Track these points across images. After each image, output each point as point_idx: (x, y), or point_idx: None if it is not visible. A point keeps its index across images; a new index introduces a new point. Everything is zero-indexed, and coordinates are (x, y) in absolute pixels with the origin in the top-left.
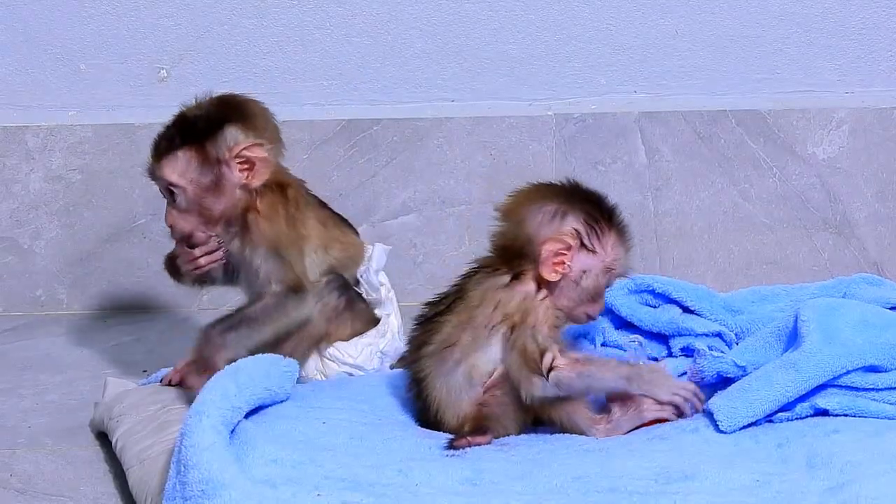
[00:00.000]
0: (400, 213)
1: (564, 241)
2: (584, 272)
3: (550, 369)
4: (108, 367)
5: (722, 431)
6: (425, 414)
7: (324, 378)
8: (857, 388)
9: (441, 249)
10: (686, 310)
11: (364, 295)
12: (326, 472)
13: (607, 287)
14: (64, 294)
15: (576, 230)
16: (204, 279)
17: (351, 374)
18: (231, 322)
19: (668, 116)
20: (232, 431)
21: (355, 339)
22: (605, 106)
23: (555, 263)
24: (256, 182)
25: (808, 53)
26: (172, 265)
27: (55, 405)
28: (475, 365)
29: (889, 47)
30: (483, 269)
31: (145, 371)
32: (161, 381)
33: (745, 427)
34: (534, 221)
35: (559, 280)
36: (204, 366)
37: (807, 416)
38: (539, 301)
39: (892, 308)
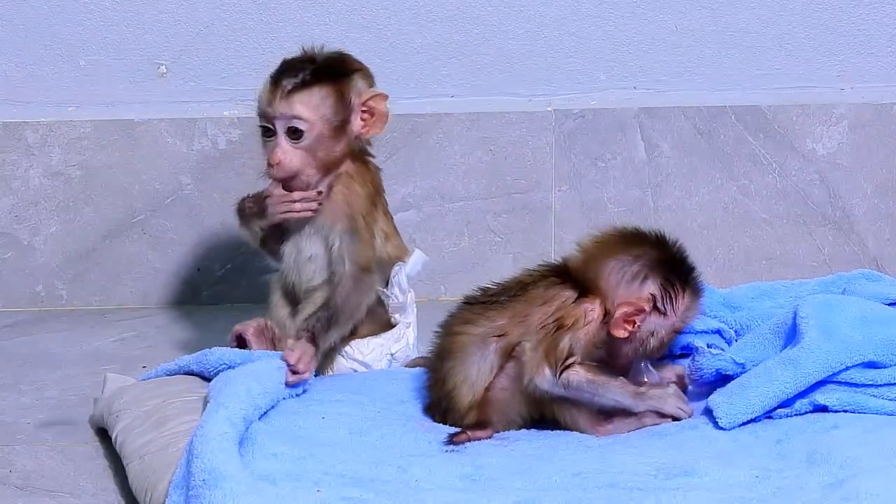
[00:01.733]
0: (399, 209)
1: (640, 306)
2: (652, 333)
3: (566, 368)
4: (108, 363)
5: (721, 428)
6: (439, 387)
7: (331, 373)
8: (856, 385)
9: (441, 245)
10: None
11: (392, 298)
12: (326, 467)
13: (671, 342)
14: (63, 290)
15: (652, 295)
16: (275, 234)
17: (355, 371)
18: (324, 316)
19: (667, 112)
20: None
21: (369, 337)
22: (605, 102)
23: (626, 322)
24: (371, 133)
25: (807, 49)
26: (257, 205)
27: (55, 401)
28: (507, 355)
29: (888, 43)
30: (553, 276)
31: (144, 367)
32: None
33: (744, 423)
34: (613, 277)
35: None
36: (314, 344)
37: (806, 413)
38: (596, 320)
39: (891, 304)
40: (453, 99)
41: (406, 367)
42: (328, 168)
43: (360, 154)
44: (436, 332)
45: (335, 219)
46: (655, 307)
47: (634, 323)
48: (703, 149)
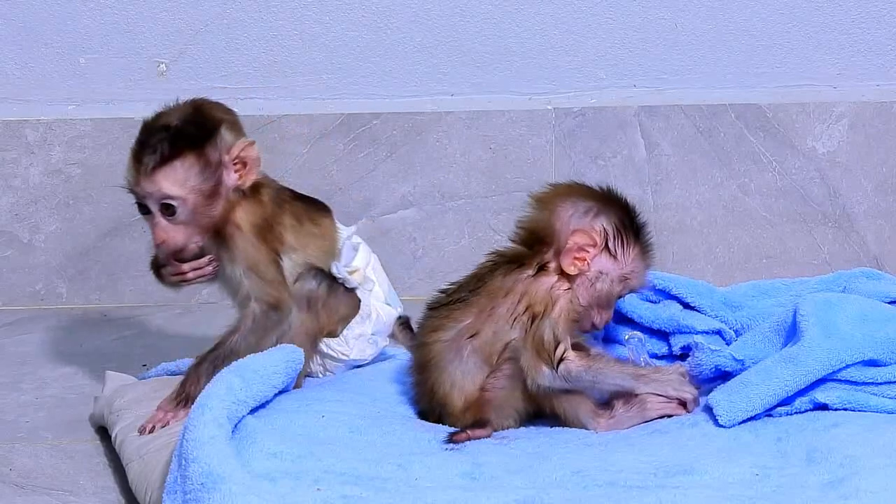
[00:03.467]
0: (399, 207)
1: (592, 237)
2: (601, 274)
3: (561, 361)
4: (108, 362)
5: (721, 426)
6: (429, 398)
7: (328, 374)
8: (856, 383)
9: (440, 244)
10: (686, 306)
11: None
12: (326, 466)
13: (619, 297)
14: (64, 288)
15: (605, 229)
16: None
17: (354, 367)
18: (216, 358)
19: (667, 110)
20: (235, 426)
21: (344, 333)
22: (605, 100)
23: (576, 258)
24: (247, 182)
25: (807, 47)
26: (156, 271)
27: (55, 399)
28: (492, 353)
29: (888, 41)
30: (507, 263)
31: (145, 365)
32: (139, 432)
33: (744, 421)
34: (566, 213)
35: (576, 277)
36: (186, 401)
37: (806, 411)
38: (563, 292)
39: (891, 302)
40: (453, 97)
41: (411, 350)
42: (216, 225)
43: (247, 190)
44: (410, 345)
45: (235, 261)
46: (607, 246)
47: (584, 260)
48: (703, 147)
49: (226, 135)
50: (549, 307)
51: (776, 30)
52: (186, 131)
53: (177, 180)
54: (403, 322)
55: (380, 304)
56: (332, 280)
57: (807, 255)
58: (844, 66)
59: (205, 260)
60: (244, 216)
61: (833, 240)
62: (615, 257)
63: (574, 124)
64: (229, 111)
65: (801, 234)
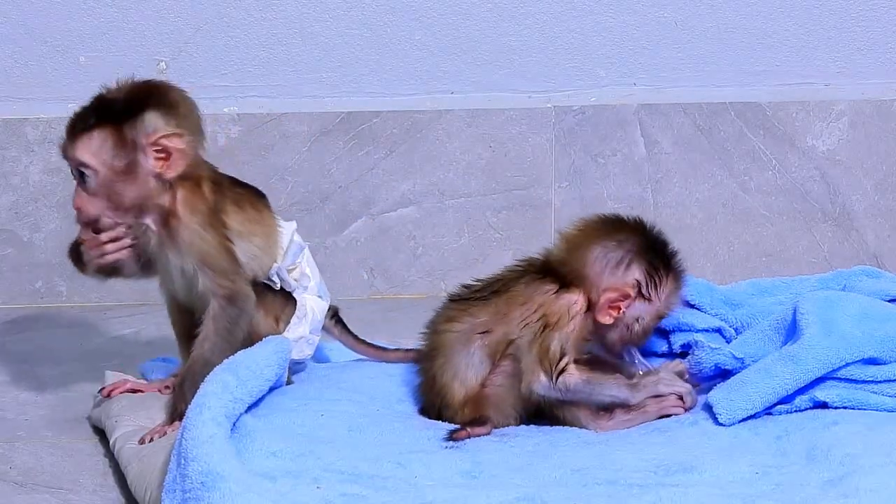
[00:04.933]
0: (399, 205)
1: (625, 291)
2: (638, 319)
3: (561, 373)
4: (107, 360)
5: (721, 424)
6: (429, 386)
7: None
8: (856, 381)
9: (440, 242)
10: (686, 304)
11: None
12: (326, 464)
13: (657, 325)
14: (63, 287)
15: (637, 281)
16: (109, 270)
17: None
18: (193, 374)
19: (667, 109)
20: (233, 424)
21: (284, 335)
22: (605, 98)
23: (610, 309)
24: (171, 174)
25: (807, 45)
26: (77, 253)
27: (54, 398)
28: (497, 352)
29: (888, 39)
30: (533, 272)
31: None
32: (139, 443)
33: (744, 420)
34: (597, 264)
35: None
36: (180, 418)
37: (806, 409)
38: (580, 312)
39: (891, 300)
40: (453, 95)
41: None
42: (138, 208)
43: (188, 175)
44: (423, 332)
45: (183, 254)
46: (640, 293)
47: (619, 309)
48: (703, 145)
49: (151, 119)
50: (563, 320)
51: (776, 28)
52: (112, 105)
53: (90, 150)
54: (334, 314)
55: (313, 300)
56: (261, 287)
57: (807, 254)
58: (844, 64)
59: (120, 229)
60: (184, 205)
61: (833, 238)
62: (649, 300)
63: (574, 122)
64: (180, 100)
65: (801, 232)
